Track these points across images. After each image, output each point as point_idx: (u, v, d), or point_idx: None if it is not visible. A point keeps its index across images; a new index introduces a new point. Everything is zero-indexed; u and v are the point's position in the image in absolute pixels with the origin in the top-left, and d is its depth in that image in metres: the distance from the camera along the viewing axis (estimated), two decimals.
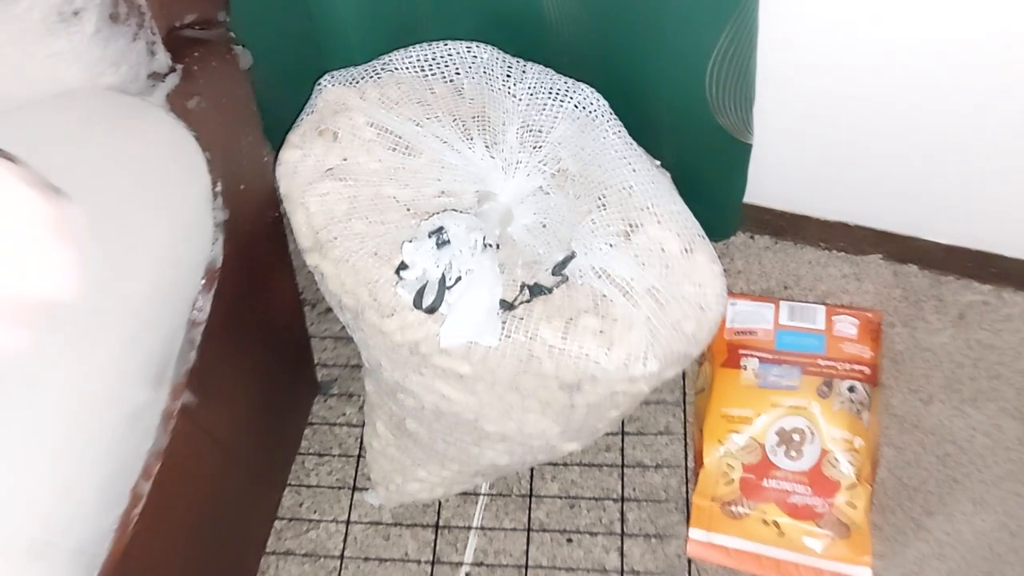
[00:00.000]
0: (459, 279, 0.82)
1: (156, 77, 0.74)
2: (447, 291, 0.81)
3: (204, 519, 0.92)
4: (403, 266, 0.83)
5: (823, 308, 1.19)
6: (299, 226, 0.94)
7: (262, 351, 1.01)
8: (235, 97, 0.84)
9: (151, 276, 0.67)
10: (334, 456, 1.27)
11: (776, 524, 1.10)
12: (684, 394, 1.26)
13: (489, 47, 0.95)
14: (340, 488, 1.24)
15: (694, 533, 1.11)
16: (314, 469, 1.26)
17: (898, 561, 1.12)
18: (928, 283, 1.31)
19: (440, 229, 0.82)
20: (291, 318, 1.13)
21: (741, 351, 1.16)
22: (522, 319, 0.86)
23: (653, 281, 0.87)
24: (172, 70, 0.75)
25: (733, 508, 1.11)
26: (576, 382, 0.89)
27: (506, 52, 0.96)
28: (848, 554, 1.07)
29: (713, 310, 0.88)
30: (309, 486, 1.25)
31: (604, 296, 0.87)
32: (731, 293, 1.26)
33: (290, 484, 1.24)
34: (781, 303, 1.20)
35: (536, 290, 0.84)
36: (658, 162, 1.00)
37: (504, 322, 0.84)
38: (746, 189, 1.26)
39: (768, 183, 1.27)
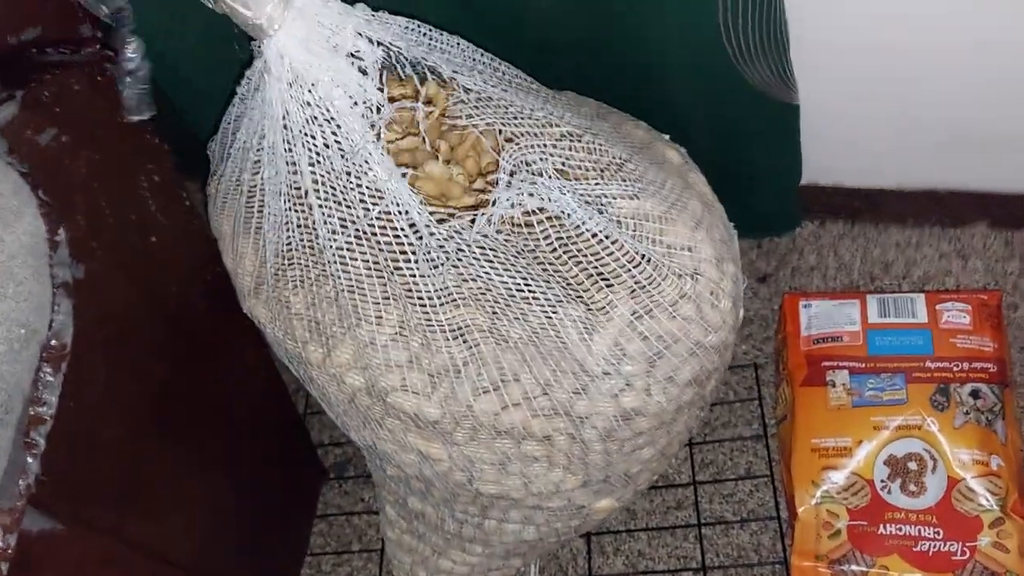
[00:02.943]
0: None
1: None
2: None
3: None
4: None
5: (922, 296, 0.93)
6: (232, 269, 0.77)
7: (217, 443, 0.83)
8: (117, 130, 0.67)
9: None
10: (354, 552, 1.07)
11: None
12: (764, 425, 1.01)
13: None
14: None
15: None
16: (331, 572, 1.06)
17: None
18: None
19: None
20: (267, 396, 0.94)
21: (825, 363, 0.92)
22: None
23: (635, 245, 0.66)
24: (10, 97, 0.59)
25: (845, 568, 0.86)
26: (563, 401, 0.67)
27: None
28: None
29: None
30: None
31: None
32: (803, 293, 1.02)
33: None
34: (868, 297, 0.95)
35: None
36: (666, 136, 0.79)
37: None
38: (804, 166, 1.03)
39: (831, 156, 1.04)
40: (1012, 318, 1.00)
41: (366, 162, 0.63)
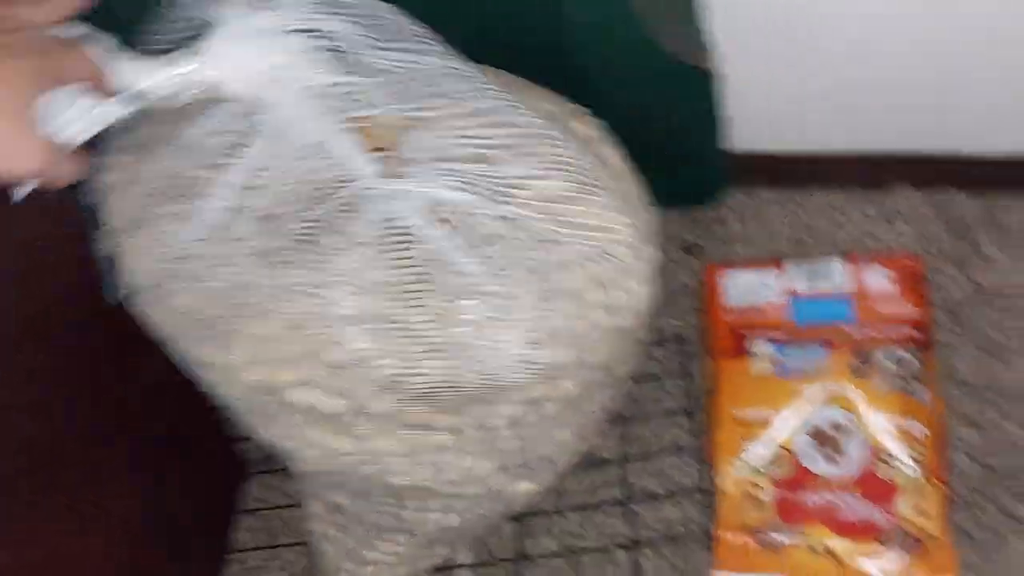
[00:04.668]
0: None
1: None
2: None
3: None
4: None
5: (843, 262, 0.92)
6: (124, 269, 0.74)
7: (121, 449, 0.80)
8: None
9: None
10: (283, 546, 1.04)
11: (829, 551, 0.83)
12: (691, 399, 1.00)
13: None
14: None
15: None
16: (261, 566, 1.03)
17: (995, 569, 0.86)
18: (980, 209, 1.05)
19: None
20: (181, 394, 0.91)
21: (747, 333, 0.91)
22: None
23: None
24: None
25: (770, 538, 0.85)
26: (469, 391, 0.65)
27: None
28: (925, 574, 0.81)
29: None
30: None
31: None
32: (723, 263, 1.00)
33: None
34: (788, 265, 0.94)
35: None
36: (583, 109, 0.76)
37: None
38: (729, 134, 1.01)
39: (755, 122, 1.03)
40: (939, 281, 0.99)
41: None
